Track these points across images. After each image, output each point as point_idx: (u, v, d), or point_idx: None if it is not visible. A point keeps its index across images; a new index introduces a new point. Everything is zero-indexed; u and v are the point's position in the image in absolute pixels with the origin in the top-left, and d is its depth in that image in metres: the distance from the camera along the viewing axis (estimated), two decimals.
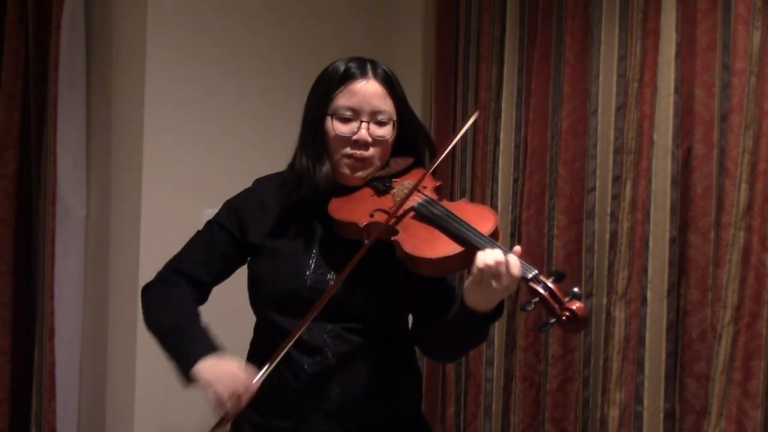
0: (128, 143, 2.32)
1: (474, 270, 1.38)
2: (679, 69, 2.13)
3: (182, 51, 2.32)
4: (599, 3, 2.30)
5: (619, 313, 2.18)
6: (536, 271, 1.38)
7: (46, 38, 2.30)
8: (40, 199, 2.34)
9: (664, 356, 2.13)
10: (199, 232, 1.72)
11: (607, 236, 2.28)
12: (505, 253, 1.38)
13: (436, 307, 1.57)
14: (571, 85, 2.35)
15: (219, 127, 2.40)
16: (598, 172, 2.31)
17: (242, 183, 1.76)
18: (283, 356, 1.57)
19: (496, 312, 1.47)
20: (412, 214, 1.53)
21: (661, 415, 2.13)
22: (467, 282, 1.42)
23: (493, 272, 1.36)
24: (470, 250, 1.41)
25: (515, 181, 2.50)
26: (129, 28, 2.33)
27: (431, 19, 2.75)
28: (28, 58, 2.31)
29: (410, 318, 1.70)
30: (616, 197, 2.26)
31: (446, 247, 1.44)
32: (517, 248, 1.40)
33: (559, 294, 1.35)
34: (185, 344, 1.55)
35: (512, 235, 2.48)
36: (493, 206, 2.50)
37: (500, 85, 2.52)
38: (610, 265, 2.25)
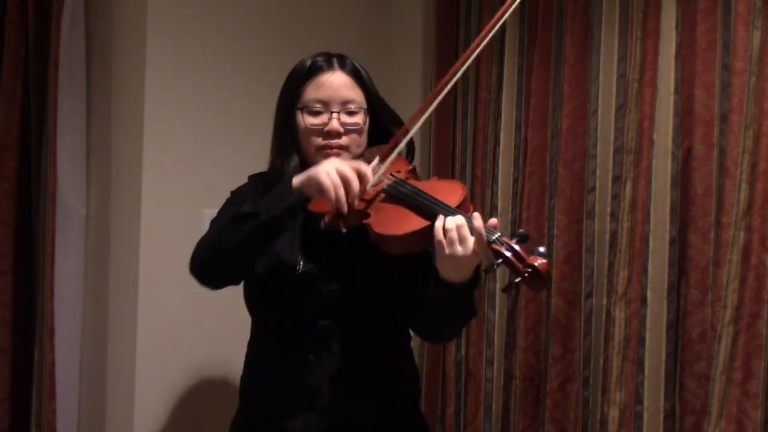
0: (128, 143, 2.32)
1: (435, 237, 1.38)
2: (679, 69, 2.13)
3: (182, 51, 2.32)
4: (599, 3, 2.30)
5: (619, 313, 2.18)
6: (498, 234, 1.37)
7: (46, 38, 2.30)
8: (40, 199, 2.34)
9: (664, 356, 2.13)
10: (215, 218, 1.70)
11: (607, 236, 2.28)
12: (467, 218, 1.37)
13: (420, 288, 1.56)
14: (571, 85, 2.35)
15: (219, 128, 2.40)
16: (598, 172, 2.31)
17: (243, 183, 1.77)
18: (278, 356, 1.58)
19: (473, 281, 1.45)
20: (382, 196, 1.53)
21: (661, 415, 2.13)
22: (437, 254, 1.41)
23: (451, 236, 1.36)
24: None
25: (515, 181, 2.50)
26: (129, 28, 2.33)
27: (431, 19, 2.75)
28: (28, 58, 2.31)
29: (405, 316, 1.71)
30: (616, 197, 2.26)
31: (413, 223, 1.44)
32: (493, 220, 1.40)
33: (522, 253, 1.34)
34: (266, 196, 1.50)
35: (513, 235, 2.48)
36: (493, 206, 2.50)
37: (500, 85, 2.52)
38: (610, 265, 2.25)
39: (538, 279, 1.32)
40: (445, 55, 2.68)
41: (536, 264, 1.32)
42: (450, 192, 1.48)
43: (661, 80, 2.14)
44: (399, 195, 1.52)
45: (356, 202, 1.47)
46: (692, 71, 2.12)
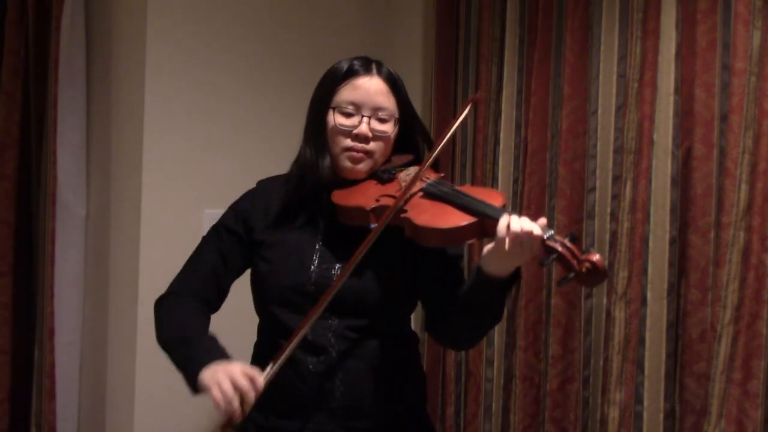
0: (128, 143, 2.32)
1: (498, 236, 1.38)
2: (679, 69, 2.13)
3: (182, 51, 2.32)
4: (599, 3, 2.30)
5: (619, 313, 2.18)
6: (552, 231, 1.40)
7: (46, 38, 2.30)
8: (40, 199, 2.34)
9: (664, 356, 2.13)
10: (205, 238, 1.71)
11: (607, 236, 2.28)
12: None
13: (447, 290, 1.56)
14: (571, 85, 2.35)
15: (219, 127, 2.40)
16: (598, 172, 2.31)
17: (243, 183, 1.76)
18: (287, 357, 1.57)
19: (513, 278, 1.47)
20: (420, 194, 1.54)
21: (661, 415, 2.13)
22: (486, 250, 1.43)
23: (519, 237, 1.37)
24: (483, 221, 1.43)
25: (515, 181, 2.50)
26: (129, 28, 2.33)
27: (431, 19, 2.76)
28: (28, 58, 2.31)
29: (413, 319, 1.71)
30: (616, 197, 2.26)
31: (458, 218, 1.45)
32: (542, 220, 1.41)
33: (575, 250, 1.37)
34: (191, 354, 1.54)
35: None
36: None
37: (500, 85, 2.53)
38: (610, 265, 2.25)
39: (594, 273, 1.36)
40: (445, 55, 2.68)
41: (594, 259, 1.35)
42: (490, 195, 1.50)
43: (661, 80, 2.14)
44: (439, 193, 1.52)
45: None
46: (692, 71, 2.12)
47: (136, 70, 2.28)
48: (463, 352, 2.57)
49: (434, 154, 1.60)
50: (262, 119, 2.49)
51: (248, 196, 1.71)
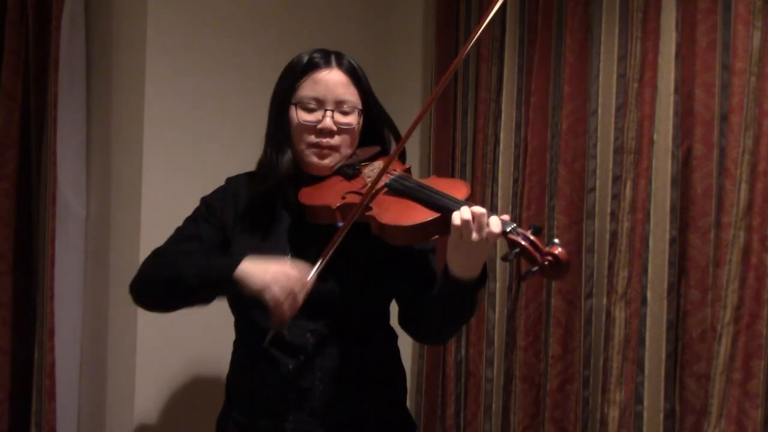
0: (128, 143, 2.32)
1: (452, 227, 1.38)
2: (679, 69, 2.13)
3: (182, 51, 2.32)
4: (599, 3, 2.30)
5: (619, 313, 2.18)
6: (514, 225, 1.39)
7: (46, 38, 2.30)
8: (40, 199, 2.34)
9: (664, 356, 2.13)
10: (180, 227, 1.72)
11: (607, 236, 2.28)
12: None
13: (420, 288, 1.57)
14: (571, 85, 2.35)
15: (220, 127, 2.40)
16: (598, 172, 2.31)
17: None
18: (266, 356, 1.57)
19: (481, 279, 1.47)
20: (385, 190, 1.54)
21: (661, 415, 2.13)
22: (448, 247, 1.42)
23: (471, 226, 1.36)
24: (446, 215, 1.42)
25: (515, 181, 2.50)
26: (129, 28, 2.33)
27: (431, 19, 2.76)
28: (28, 58, 2.31)
29: (391, 316, 1.71)
30: (616, 197, 2.26)
31: (422, 215, 1.45)
32: (505, 216, 1.41)
33: (538, 243, 1.36)
34: (212, 260, 1.54)
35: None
36: (493, 206, 2.50)
37: (500, 85, 2.53)
38: (610, 265, 2.25)
39: (557, 267, 1.35)
40: (445, 55, 2.68)
41: (556, 252, 1.35)
42: (455, 187, 1.50)
43: (661, 80, 2.14)
44: (403, 188, 1.52)
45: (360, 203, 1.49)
46: (692, 71, 2.12)
47: (136, 69, 2.28)
48: (463, 352, 2.57)
49: (399, 149, 1.58)
50: (263, 119, 2.48)
51: (219, 192, 1.72)
